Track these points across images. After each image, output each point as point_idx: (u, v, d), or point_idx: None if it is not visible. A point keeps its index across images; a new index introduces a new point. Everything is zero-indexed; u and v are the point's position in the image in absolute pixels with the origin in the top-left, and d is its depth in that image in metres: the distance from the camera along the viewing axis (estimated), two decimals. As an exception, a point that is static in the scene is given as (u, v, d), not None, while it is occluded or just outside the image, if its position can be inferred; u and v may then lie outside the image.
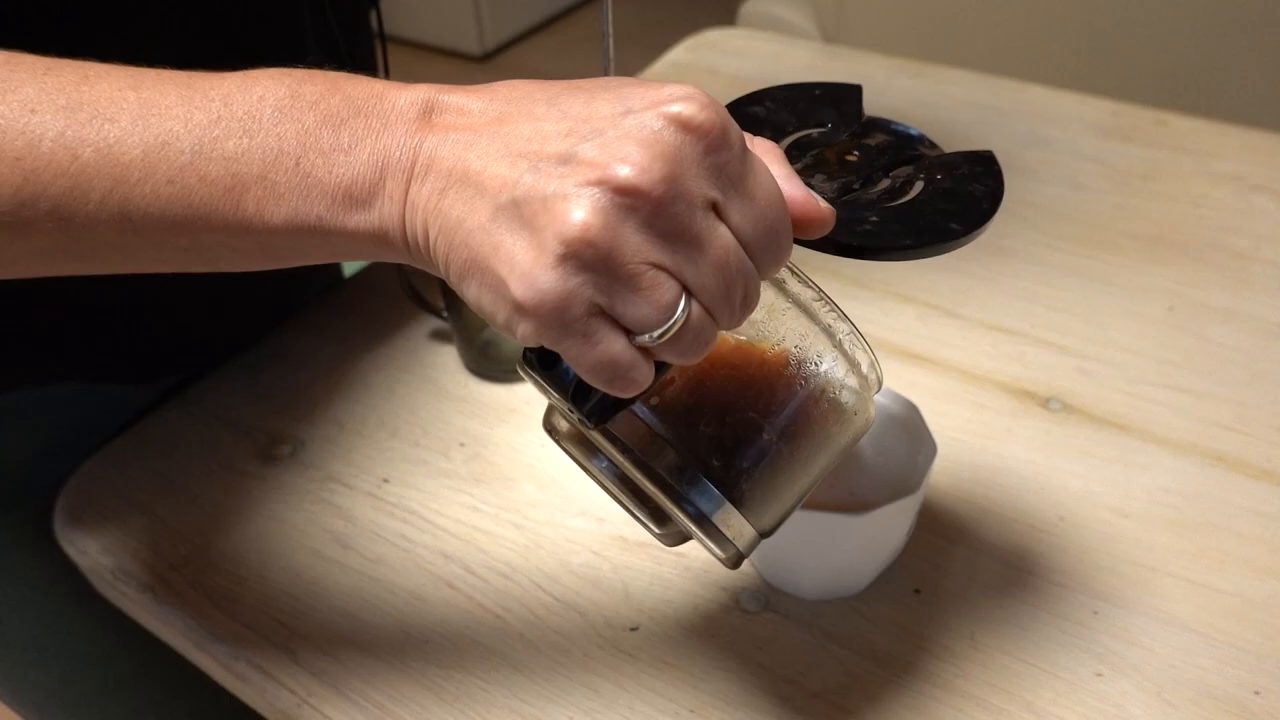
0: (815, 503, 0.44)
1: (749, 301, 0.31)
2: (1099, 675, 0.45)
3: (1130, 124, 0.82)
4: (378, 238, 0.30)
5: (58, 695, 0.64)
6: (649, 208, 0.28)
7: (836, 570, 0.47)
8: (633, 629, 0.48)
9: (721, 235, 0.29)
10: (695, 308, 0.29)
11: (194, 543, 0.53)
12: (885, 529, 0.46)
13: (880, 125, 0.41)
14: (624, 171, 0.27)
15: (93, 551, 0.53)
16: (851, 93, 0.42)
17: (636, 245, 0.28)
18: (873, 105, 0.42)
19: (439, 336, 0.65)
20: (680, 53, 0.96)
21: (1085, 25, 1.28)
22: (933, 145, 0.40)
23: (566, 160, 0.28)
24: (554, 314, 0.28)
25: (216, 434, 0.59)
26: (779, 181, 0.31)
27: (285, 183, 0.30)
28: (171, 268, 0.33)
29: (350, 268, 0.75)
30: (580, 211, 0.27)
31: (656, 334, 0.29)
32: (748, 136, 0.31)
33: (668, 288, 0.28)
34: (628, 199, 0.27)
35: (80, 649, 0.62)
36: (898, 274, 0.68)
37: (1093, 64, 1.28)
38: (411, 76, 0.32)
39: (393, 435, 0.59)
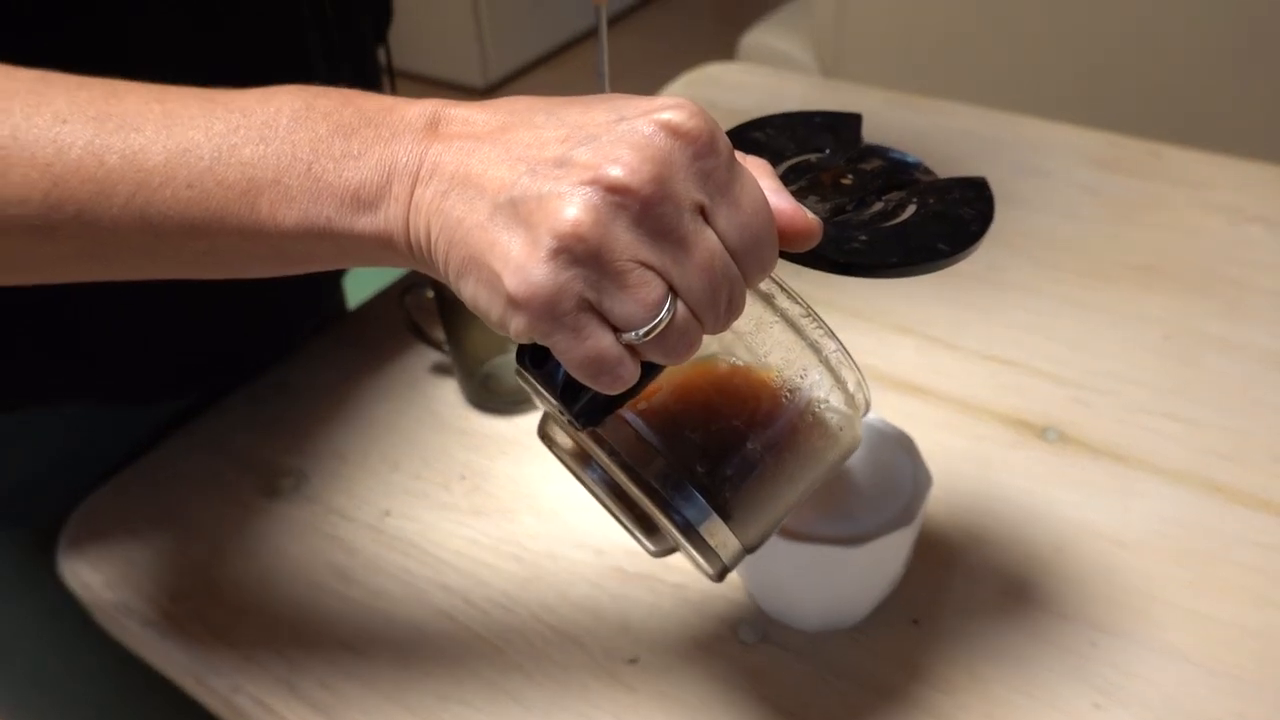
0: (812, 535, 0.44)
1: (734, 306, 0.32)
2: (1097, 706, 0.45)
3: (1125, 155, 0.83)
4: (383, 240, 0.32)
5: (59, 713, 0.64)
6: (638, 206, 0.29)
7: (834, 601, 0.48)
8: (632, 660, 0.48)
9: (708, 238, 0.30)
10: (680, 308, 0.30)
11: (195, 576, 0.54)
12: (882, 560, 0.46)
13: (877, 152, 0.41)
14: (615, 171, 0.29)
15: (95, 585, 0.54)
16: (850, 120, 0.42)
17: (626, 243, 0.29)
18: (870, 137, 0.42)
19: (440, 369, 0.66)
20: (680, 86, 0.98)
21: (1080, 59, 1.30)
22: (928, 171, 0.40)
23: (562, 163, 0.29)
24: (545, 307, 0.29)
25: (219, 466, 0.60)
26: (767, 194, 0.32)
27: (298, 186, 0.31)
28: (190, 272, 0.35)
29: (354, 300, 0.76)
30: (573, 208, 0.28)
31: (643, 331, 0.30)
32: (740, 154, 0.32)
33: (654, 286, 0.30)
34: (618, 197, 0.29)
35: (82, 666, 0.62)
36: (895, 305, 0.68)
37: (1087, 96, 1.30)
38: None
39: (394, 468, 0.59)
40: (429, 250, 0.31)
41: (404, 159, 0.31)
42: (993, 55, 1.36)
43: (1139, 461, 0.57)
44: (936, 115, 0.89)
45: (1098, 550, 0.52)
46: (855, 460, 0.47)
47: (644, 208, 0.29)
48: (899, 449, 0.48)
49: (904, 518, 0.45)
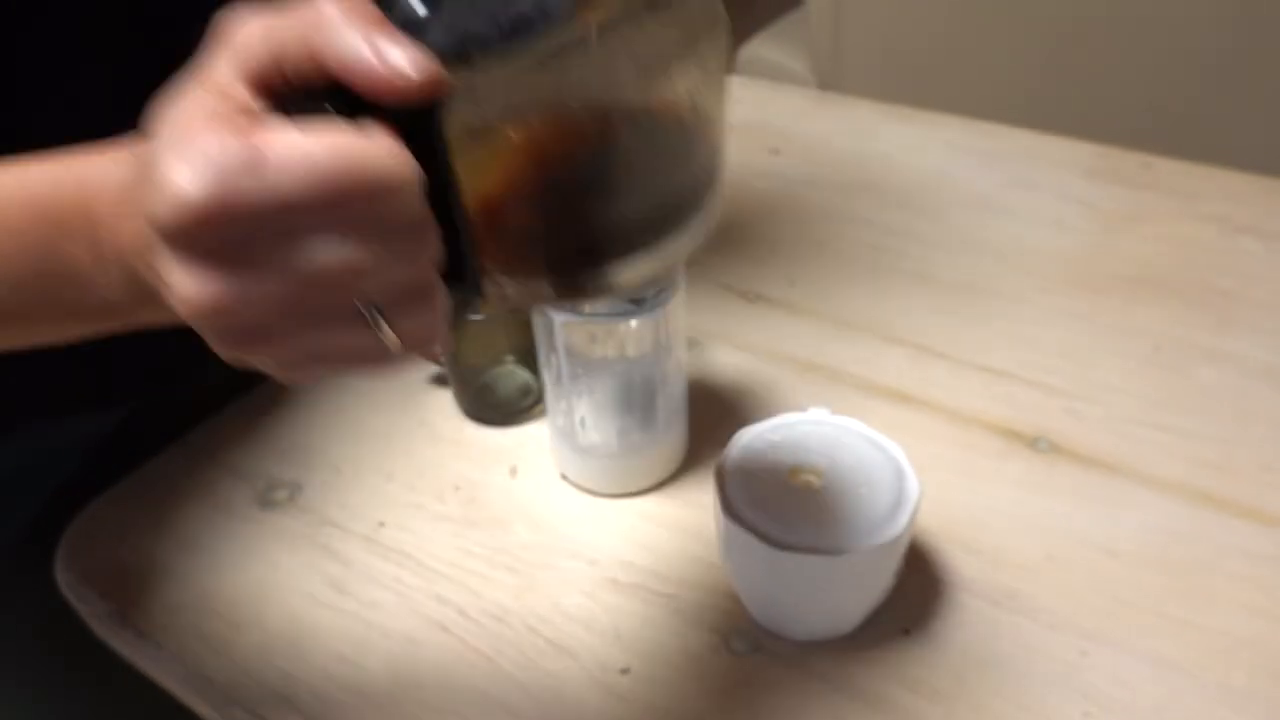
0: (803, 544, 0.44)
1: (425, 298, 0.28)
2: (1088, 715, 0.45)
3: (1116, 166, 0.83)
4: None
5: None
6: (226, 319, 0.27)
7: (825, 611, 0.48)
8: (624, 671, 0.48)
9: (294, 263, 0.25)
10: (384, 328, 0.27)
11: (191, 588, 0.54)
12: (872, 570, 0.46)
13: None
14: (179, 291, 0.27)
15: (92, 598, 0.54)
16: None
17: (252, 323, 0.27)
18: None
19: (436, 381, 0.66)
20: (675, 100, 0.98)
21: (1072, 70, 1.30)
22: None
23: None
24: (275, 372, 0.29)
25: (215, 478, 0.60)
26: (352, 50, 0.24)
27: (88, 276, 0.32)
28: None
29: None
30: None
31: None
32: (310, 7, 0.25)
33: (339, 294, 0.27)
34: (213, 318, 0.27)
35: (59, 680, 0.62)
36: (885, 315, 0.68)
37: (1079, 108, 1.30)
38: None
39: (389, 479, 0.59)
40: None
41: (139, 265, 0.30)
42: (986, 68, 1.36)
43: (1129, 471, 0.57)
44: (928, 127, 0.90)
45: (1088, 560, 0.52)
46: (845, 470, 0.48)
47: (225, 314, 0.26)
48: (888, 459, 0.48)
49: (894, 527, 0.45)
